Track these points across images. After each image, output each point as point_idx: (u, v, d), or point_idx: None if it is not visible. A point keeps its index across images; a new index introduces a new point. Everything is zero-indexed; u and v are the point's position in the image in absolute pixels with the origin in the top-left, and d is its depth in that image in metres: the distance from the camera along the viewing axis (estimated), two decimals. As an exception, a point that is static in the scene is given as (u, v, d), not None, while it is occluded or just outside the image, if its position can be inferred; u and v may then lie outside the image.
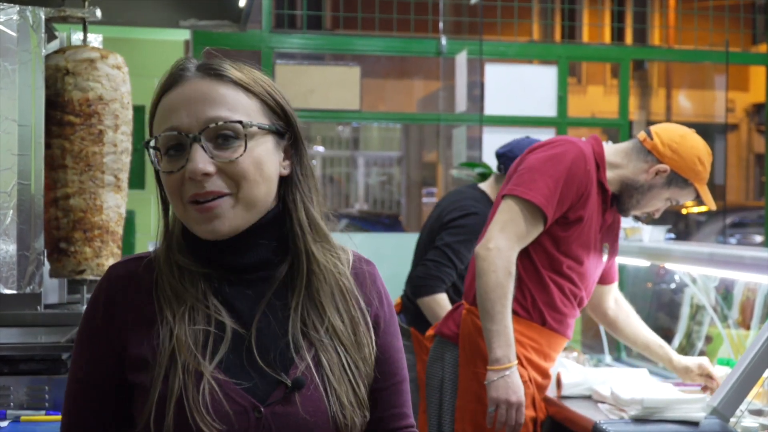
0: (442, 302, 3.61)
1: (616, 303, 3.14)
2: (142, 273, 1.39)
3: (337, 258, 1.43)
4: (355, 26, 6.30)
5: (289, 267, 1.40)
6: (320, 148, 12.96)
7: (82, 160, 2.62)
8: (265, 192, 1.37)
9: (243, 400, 1.31)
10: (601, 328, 3.90)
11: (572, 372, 2.97)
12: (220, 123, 1.33)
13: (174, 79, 1.37)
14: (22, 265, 2.47)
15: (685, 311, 3.58)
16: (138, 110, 2.72)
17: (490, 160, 4.14)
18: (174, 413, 1.29)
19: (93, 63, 2.63)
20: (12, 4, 2.49)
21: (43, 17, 2.53)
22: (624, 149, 2.85)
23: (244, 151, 1.33)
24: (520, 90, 5.91)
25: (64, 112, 2.62)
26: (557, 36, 11.44)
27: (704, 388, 2.93)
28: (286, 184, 1.41)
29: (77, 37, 2.95)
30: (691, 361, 3.01)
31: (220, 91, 1.35)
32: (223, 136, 1.33)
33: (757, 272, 2.80)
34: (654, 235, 3.77)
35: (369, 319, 1.43)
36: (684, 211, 11.09)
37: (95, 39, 3.03)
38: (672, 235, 7.48)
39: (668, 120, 13.91)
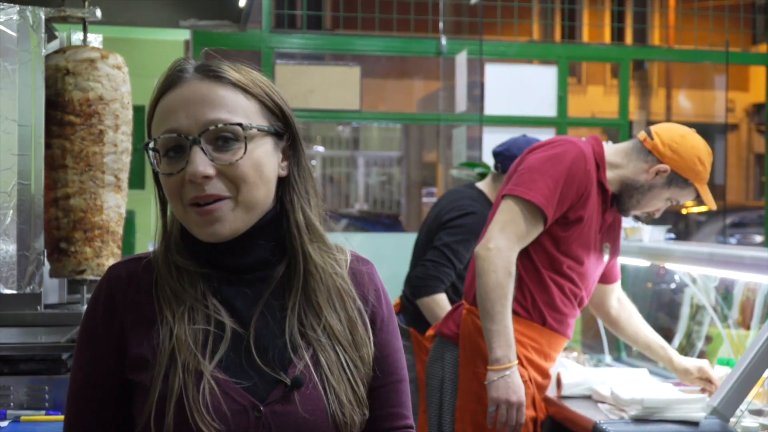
0: (441, 302, 3.61)
1: (619, 302, 3.14)
2: (141, 273, 1.39)
3: (334, 259, 1.43)
4: (355, 26, 6.30)
5: (286, 267, 1.41)
6: (320, 148, 12.96)
7: (82, 160, 2.62)
8: (264, 194, 1.37)
9: (242, 399, 1.31)
10: (601, 328, 3.91)
11: (572, 372, 2.97)
12: (220, 125, 1.33)
13: (172, 80, 1.36)
14: (22, 265, 2.47)
15: (685, 311, 3.58)
16: (138, 110, 2.72)
17: (490, 160, 4.13)
18: (174, 412, 1.29)
19: (93, 63, 2.63)
20: (12, 4, 2.49)
21: (43, 17, 2.53)
22: (624, 149, 2.84)
23: (244, 153, 1.33)
24: (520, 90, 5.91)
25: (65, 112, 2.62)
26: (557, 36, 11.45)
27: (702, 390, 2.92)
28: (283, 185, 1.41)
29: (77, 37, 2.95)
30: (692, 363, 3.00)
31: (219, 92, 1.35)
32: (223, 138, 1.33)
33: (757, 272, 2.80)
34: (654, 235, 3.77)
35: (366, 318, 1.43)
36: (684, 211, 11.09)
37: (95, 39, 3.03)
38: (672, 235, 7.48)
39: (668, 120, 13.91)
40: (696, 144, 2.78)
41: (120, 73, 2.69)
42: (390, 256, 4.87)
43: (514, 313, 2.74)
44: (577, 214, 2.74)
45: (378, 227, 10.61)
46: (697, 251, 3.15)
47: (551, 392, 2.93)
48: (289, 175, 1.41)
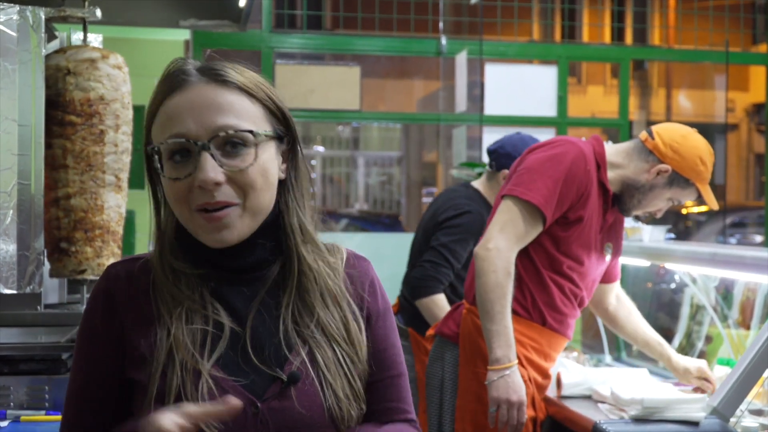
0: (440, 303, 3.60)
1: (618, 299, 3.14)
2: (138, 274, 1.40)
3: (326, 262, 1.43)
4: (355, 26, 6.30)
5: (281, 267, 1.41)
6: (320, 148, 12.97)
7: (83, 160, 2.63)
8: (269, 199, 1.37)
9: (240, 396, 1.31)
10: (602, 328, 3.91)
11: (572, 372, 2.97)
12: (230, 131, 1.32)
13: (176, 83, 1.35)
14: (22, 265, 2.47)
15: (685, 311, 3.58)
16: (138, 110, 2.72)
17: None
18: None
19: (94, 63, 2.64)
20: (12, 4, 2.49)
21: (43, 17, 2.53)
22: (625, 149, 2.84)
23: (254, 159, 1.33)
24: (520, 90, 5.92)
25: (65, 112, 2.62)
26: (557, 36, 11.46)
27: (700, 390, 2.92)
28: (281, 187, 1.41)
29: (77, 37, 2.95)
30: (691, 363, 3.00)
31: (227, 98, 1.34)
32: (232, 143, 1.33)
33: (757, 272, 2.79)
34: (654, 235, 3.77)
35: (361, 320, 1.43)
36: (684, 211, 11.09)
37: (95, 39, 3.03)
38: (672, 235, 7.48)
39: (668, 120, 13.91)
40: (697, 144, 2.78)
41: (120, 73, 2.69)
42: (390, 256, 4.86)
43: (514, 313, 2.74)
44: (577, 214, 2.74)
45: (378, 227, 10.62)
46: (697, 251, 3.15)
47: (551, 392, 2.93)
48: (287, 178, 1.41)
